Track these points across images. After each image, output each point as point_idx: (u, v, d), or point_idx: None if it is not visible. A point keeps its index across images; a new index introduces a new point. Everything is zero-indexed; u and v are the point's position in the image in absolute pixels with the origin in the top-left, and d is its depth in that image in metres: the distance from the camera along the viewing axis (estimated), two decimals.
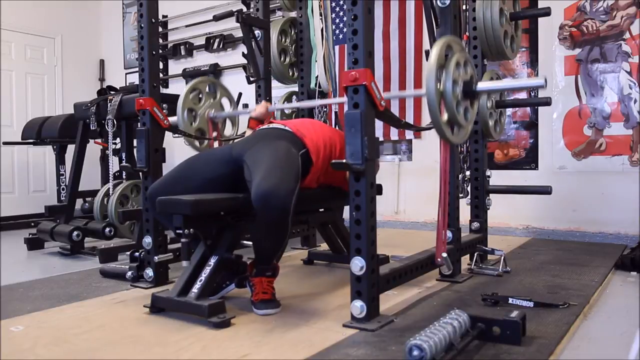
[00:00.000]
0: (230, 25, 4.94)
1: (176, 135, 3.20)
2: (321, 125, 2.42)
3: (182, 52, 5.50)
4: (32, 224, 4.56)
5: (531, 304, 1.93)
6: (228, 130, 2.93)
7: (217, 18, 3.27)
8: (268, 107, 2.61)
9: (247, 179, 2.00)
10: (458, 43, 1.79)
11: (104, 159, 4.85)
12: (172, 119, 2.65)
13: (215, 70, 5.21)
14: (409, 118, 4.16)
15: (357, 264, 1.74)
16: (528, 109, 3.77)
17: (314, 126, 2.33)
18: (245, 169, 2.04)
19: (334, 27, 4.32)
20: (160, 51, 5.17)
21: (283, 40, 3.32)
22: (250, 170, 1.99)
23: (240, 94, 3.29)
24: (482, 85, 1.83)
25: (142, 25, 2.44)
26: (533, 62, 3.75)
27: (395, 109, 4.17)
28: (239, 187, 2.09)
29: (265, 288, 1.98)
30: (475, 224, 2.75)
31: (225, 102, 2.84)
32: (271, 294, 1.99)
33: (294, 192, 1.86)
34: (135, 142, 2.59)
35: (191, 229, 1.92)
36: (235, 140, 2.59)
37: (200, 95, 2.73)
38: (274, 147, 2.07)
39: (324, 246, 3.06)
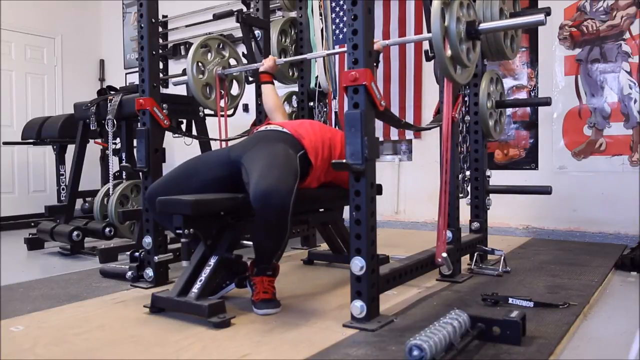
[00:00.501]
0: (230, 25, 4.94)
1: (176, 135, 3.20)
2: (320, 125, 2.41)
3: (182, 52, 5.50)
4: (32, 224, 4.56)
5: (531, 304, 1.93)
6: (235, 90, 2.97)
7: (216, 17, 3.27)
8: (276, 60, 2.74)
9: (245, 181, 2.00)
10: None
11: (104, 159, 4.85)
12: (178, 79, 2.67)
13: None
14: (409, 118, 4.16)
15: (357, 264, 1.74)
16: (528, 109, 3.77)
17: (313, 127, 2.33)
18: (243, 171, 2.05)
19: (334, 27, 4.32)
20: (160, 51, 5.17)
21: (283, 40, 3.32)
22: (247, 172, 1.99)
23: None
24: (485, 25, 1.87)
25: (142, 25, 2.44)
26: (533, 62, 3.75)
27: (395, 109, 4.17)
28: (238, 189, 2.09)
29: (266, 287, 1.98)
30: (475, 224, 2.75)
31: (233, 62, 2.89)
32: (272, 294, 1.99)
33: (293, 191, 1.86)
34: (135, 142, 2.59)
35: (191, 229, 1.92)
36: (234, 142, 2.60)
37: (210, 52, 2.77)
38: (271, 148, 2.07)
39: (324, 246, 3.06)
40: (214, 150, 2.48)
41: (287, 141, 2.18)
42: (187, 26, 5.49)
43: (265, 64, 2.73)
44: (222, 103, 2.82)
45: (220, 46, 2.84)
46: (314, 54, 3.09)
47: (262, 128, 2.37)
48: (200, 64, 2.72)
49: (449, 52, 1.75)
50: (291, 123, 2.37)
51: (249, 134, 2.55)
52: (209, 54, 2.78)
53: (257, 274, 2.00)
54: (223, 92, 2.82)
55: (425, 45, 2.77)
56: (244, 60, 3.04)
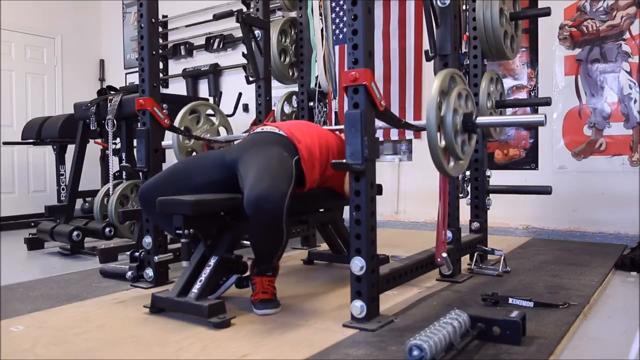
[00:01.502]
0: (230, 25, 4.95)
1: None
2: (317, 128, 2.39)
3: (182, 52, 5.50)
4: (32, 224, 4.56)
5: (531, 304, 1.93)
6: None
7: (217, 17, 3.28)
8: None
9: (241, 186, 1.99)
10: (461, 77, 1.80)
11: (104, 159, 4.86)
12: (163, 143, 2.62)
13: (215, 70, 5.22)
14: (409, 118, 4.16)
15: (357, 264, 1.74)
16: (528, 109, 3.77)
17: (310, 130, 2.30)
18: (239, 176, 2.03)
19: (334, 27, 4.32)
20: (160, 51, 5.18)
21: (283, 40, 3.32)
22: (242, 178, 1.98)
23: (240, 94, 3.29)
24: (482, 119, 1.84)
25: (142, 25, 2.44)
26: (533, 62, 3.75)
27: (395, 109, 4.17)
28: (233, 192, 2.08)
29: (265, 288, 1.98)
30: (475, 224, 2.75)
31: (222, 130, 2.85)
32: (272, 294, 1.99)
33: (286, 196, 1.84)
34: (135, 142, 2.59)
35: (191, 229, 1.92)
36: (230, 146, 2.59)
37: (199, 118, 2.75)
38: (266, 153, 2.05)
39: (324, 246, 3.06)
40: (209, 152, 2.46)
41: (282, 144, 2.16)
42: (187, 26, 5.49)
43: None
44: None
45: (211, 114, 2.79)
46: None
47: (259, 129, 2.36)
48: (187, 130, 2.67)
49: (442, 143, 1.70)
50: (288, 125, 2.33)
51: (248, 133, 2.54)
52: (198, 120, 2.73)
53: (257, 274, 2.00)
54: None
55: (425, 45, 2.77)
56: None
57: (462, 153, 1.77)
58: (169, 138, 2.59)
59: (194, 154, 2.72)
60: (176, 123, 2.60)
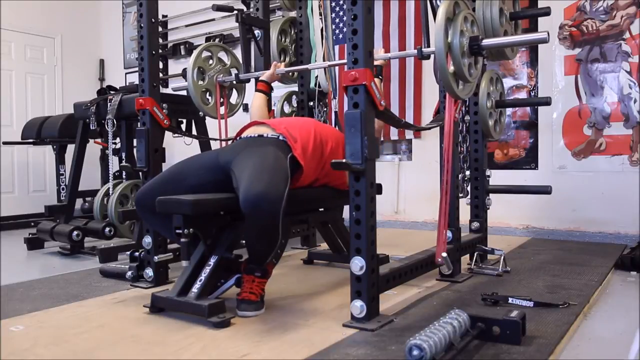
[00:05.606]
0: (230, 25, 4.94)
1: (176, 135, 3.21)
2: (315, 123, 2.38)
3: (182, 52, 5.50)
4: (32, 223, 4.56)
5: (531, 304, 1.93)
6: (234, 98, 3.01)
7: (216, 8, 3.23)
8: (276, 68, 2.81)
9: (235, 186, 1.97)
10: (465, 3, 1.84)
11: (104, 159, 4.85)
12: (178, 85, 2.82)
13: None
14: (409, 118, 4.16)
15: (357, 264, 1.74)
16: (528, 108, 3.77)
17: (307, 126, 2.29)
18: (232, 177, 2.01)
19: (333, 27, 4.32)
20: (160, 51, 5.18)
21: (283, 40, 3.32)
22: (237, 178, 1.96)
23: None
24: (488, 41, 1.90)
25: (142, 25, 2.44)
26: (533, 62, 3.75)
27: (395, 109, 4.17)
28: (227, 192, 2.07)
29: (253, 288, 1.94)
30: (475, 224, 2.75)
31: (234, 71, 2.95)
32: (258, 295, 1.95)
33: (284, 197, 1.83)
34: (135, 142, 2.59)
35: (191, 229, 1.92)
36: (224, 147, 2.59)
37: (212, 59, 2.83)
38: (261, 152, 2.04)
39: (324, 246, 3.06)
40: (202, 154, 2.43)
41: (276, 144, 2.15)
42: (187, 26, 5.49)
43: (266, 73, 2.78)
44: (221, 110, 2.84)
45: (223, 54, 2.88)
46: (316, 64, 3.09)
47: (252, 134, 2.30)
48: (201, 70, 2.76)
49: (451, 68, 1.74)
50: (284, 124, 2.30)
51: (236, 135, 2.52)
52: (210, 61, 2.81)
53: (246, 272, 1.97)
54: (222, 99, 2.83)
55: None
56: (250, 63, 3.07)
57: (470, 75, 1.85)
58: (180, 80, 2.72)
59: (208, 95, 2.82)
60: (190, 63, 2.70)
